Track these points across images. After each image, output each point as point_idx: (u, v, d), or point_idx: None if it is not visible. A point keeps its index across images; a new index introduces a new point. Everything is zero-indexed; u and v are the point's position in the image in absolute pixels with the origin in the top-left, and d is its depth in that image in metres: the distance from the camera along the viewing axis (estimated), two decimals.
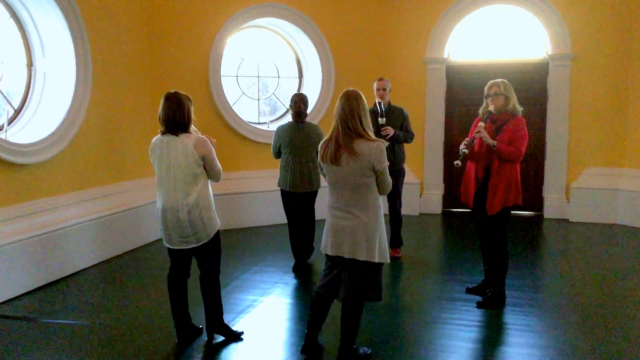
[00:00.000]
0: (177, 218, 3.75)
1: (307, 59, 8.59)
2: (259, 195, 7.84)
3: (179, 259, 3.97)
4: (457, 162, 4.44)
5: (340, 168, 3.47)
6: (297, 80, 8.75)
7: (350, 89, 3.55)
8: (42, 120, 5.72)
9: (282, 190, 5.83)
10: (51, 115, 5.72)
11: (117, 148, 6.60)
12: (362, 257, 3.50)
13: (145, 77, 7.13)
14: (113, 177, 6.54)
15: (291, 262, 5.86)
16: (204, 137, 3.86)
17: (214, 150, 3.88)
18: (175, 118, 3.73)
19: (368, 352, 3.78)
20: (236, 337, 4.05)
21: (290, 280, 5.52)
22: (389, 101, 6.12)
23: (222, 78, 7.83)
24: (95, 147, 6.23)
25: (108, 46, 6.39)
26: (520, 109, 4.62)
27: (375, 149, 3.42)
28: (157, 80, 7.27)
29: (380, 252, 3.55)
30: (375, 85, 6.11)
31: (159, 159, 3.81)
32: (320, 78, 8.45)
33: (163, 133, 3.79)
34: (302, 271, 5.77)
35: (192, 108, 3.83)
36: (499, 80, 4.64)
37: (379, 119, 5.87)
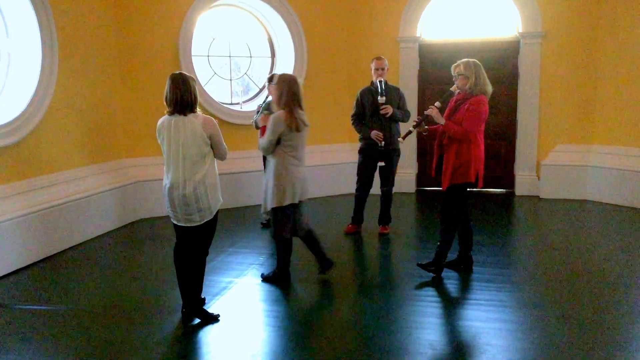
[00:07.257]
0: (183, 195, 3.86)
1: (280, 39, 8.48)
2: (230, 177, 7.76)
3: (184, 235, 4.05)
4: (400, 139, 5.24)
5: (301, 134, 4.64)
6: (270, 59, 8.66)
7: (290, 74, 4.64)
8: (8, 102, 5.55)
9: None
10: (17, 97, 5.56)
11: (86, 129, 6.46)
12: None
13: (113, 57, 6.96)
14: (83, 159, 6.41)
15: (265, 243, 5.85)
16: (210, 117, 3.98)
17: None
18: (184, 98, 3.83)
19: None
20: (212, 319, 4.06)
21: (265, 262, 5.51)
22: (385, 80, 6.11)
23: (193, 58, 7.69)
24: (64, 128, 6.08)
25: (74, 26, 6.21)
26: (485, 88, 4.65)
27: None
28: (125, 60, 7.11)
29: None
30: (373, 64, 6.15)
31: (167, 139, 3.89)
32: (293, 58, 8.36)
33: (171, 114, 3.87)
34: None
35: (197, 88, 3.93)
36: (462, 60, 4.72)
37: (379, 97, 5.95)
